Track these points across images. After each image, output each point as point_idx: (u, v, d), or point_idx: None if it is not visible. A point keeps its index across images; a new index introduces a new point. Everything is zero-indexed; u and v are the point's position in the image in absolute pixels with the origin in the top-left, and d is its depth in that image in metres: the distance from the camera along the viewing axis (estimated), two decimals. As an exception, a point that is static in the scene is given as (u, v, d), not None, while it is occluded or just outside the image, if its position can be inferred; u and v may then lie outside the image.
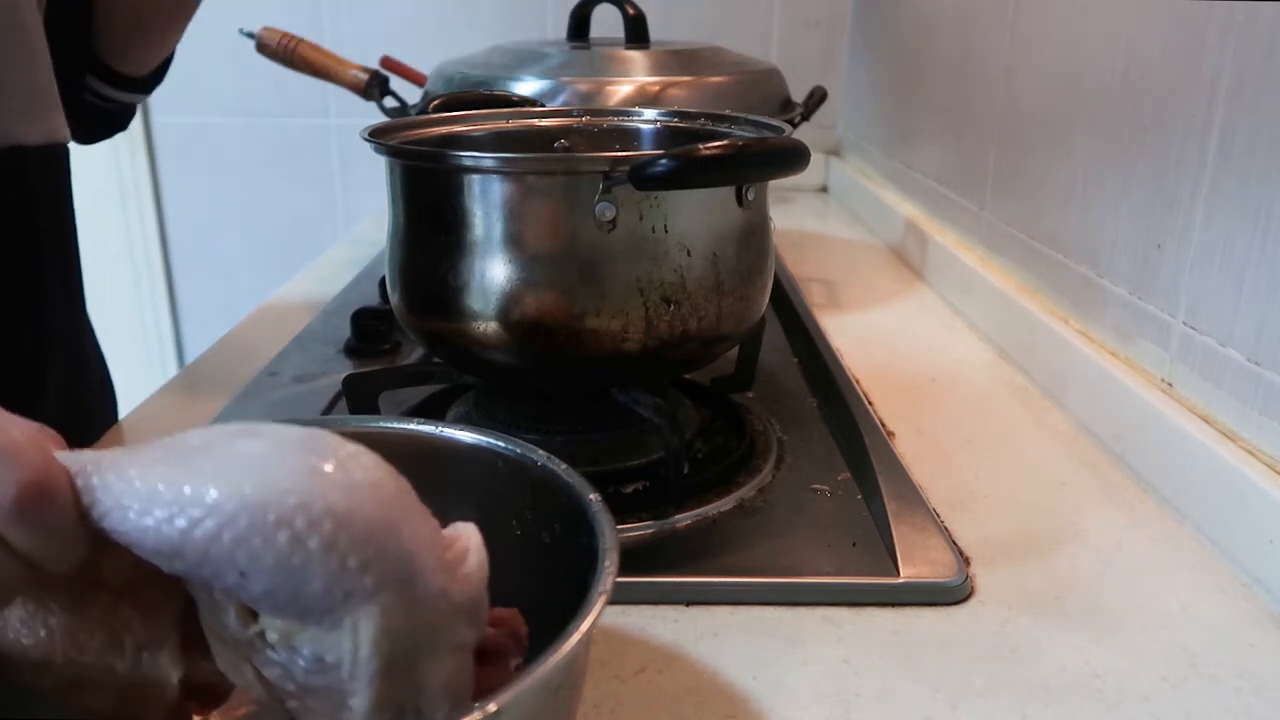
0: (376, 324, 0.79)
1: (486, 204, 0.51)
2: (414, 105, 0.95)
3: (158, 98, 1.55)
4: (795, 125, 0.90)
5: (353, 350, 0.79)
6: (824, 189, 1.50)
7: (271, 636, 0.27)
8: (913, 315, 0.91)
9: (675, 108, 0.69)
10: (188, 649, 0.31)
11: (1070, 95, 0.73)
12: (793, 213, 1.35)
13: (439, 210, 0.53)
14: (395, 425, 0.41)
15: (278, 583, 0.26)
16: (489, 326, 0.52)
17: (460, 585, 0.28)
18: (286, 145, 1.55)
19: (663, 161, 0.46)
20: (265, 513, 0.25)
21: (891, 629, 0.45)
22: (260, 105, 1.53)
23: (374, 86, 0.96)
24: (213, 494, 0.26)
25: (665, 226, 0.51)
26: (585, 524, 0.33)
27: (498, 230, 0.51)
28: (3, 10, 0.54)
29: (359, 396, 0.60)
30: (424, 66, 1.08)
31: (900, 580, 0.47)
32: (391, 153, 0.54)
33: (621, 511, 0.52)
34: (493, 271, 0.51)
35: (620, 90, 0.90)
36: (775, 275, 0.61)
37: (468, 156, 0.54)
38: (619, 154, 0.49)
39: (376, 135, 0.56)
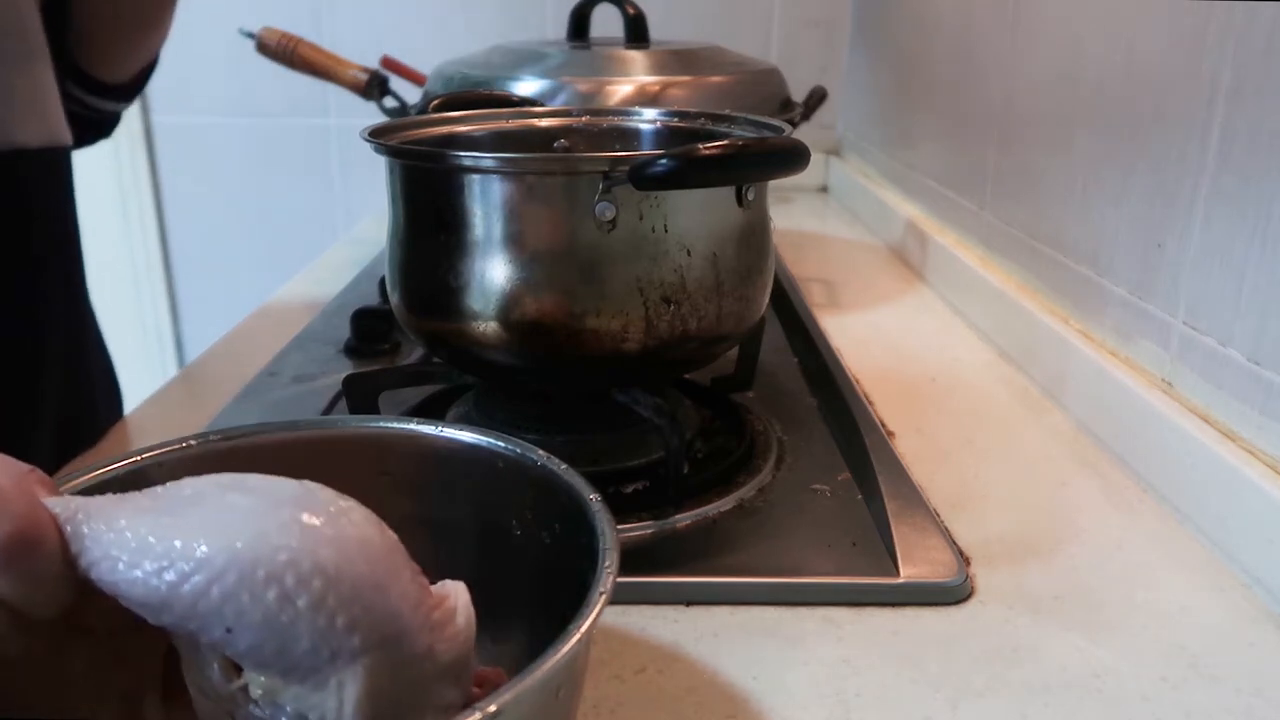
0: (376, 324, 0.79)
1: (486, 204, 0.51)
2: (414, 105, 0.95)
3: (158, 98, 1.55)
4: (795, 125, 0.90)
5: (353, 350, 0.79)
6: (824, 189, 1.50)
7: (255, 692, 0.27)
8: (913, 315, 0.91)
9: (675, 108, 0.69)
10: (169, 699, 0.31)
11: (1070, 95, 0.73)
12: (793, 213, 1.35)
13: (439, 210, 0.53)
14: (395, 425, 0.41)
15: (264, 639, 0.26)
16: (489, 326, 0.52)
17: (447, 645, 0.28)
18: (286, 145, 1.55)
19: (663, 161, 0.46)
20: (255, 569, 0.25)
21: (891, 629, 0.45)
22: (260, 105, 1.53)
23: (374, 86, 0.96)
24: (203, 548, 0.25)
25: (665, 226, 0.51)
26: (585, 524, 0.33)
27: (498, 230, 0.51)
28: (4, 12, 0.54)
29: (359, 396, 0.60)
30: (424, 66, 1.08)
31: (900, 580, 0.47)
32: (391, 153, 0.54)
33: (621, 511, 0.52)
34: (493, 271, 0.51)
35: (620, 90, 0.90)
36: (775, 275, 0.61)
37: (468, 156, 0.54)
38: (619, 154, 0.49)
39: (376, 135, 0.56)
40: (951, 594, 0.47)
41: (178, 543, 0.26)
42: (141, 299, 1.65)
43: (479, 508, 0.39)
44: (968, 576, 0.48)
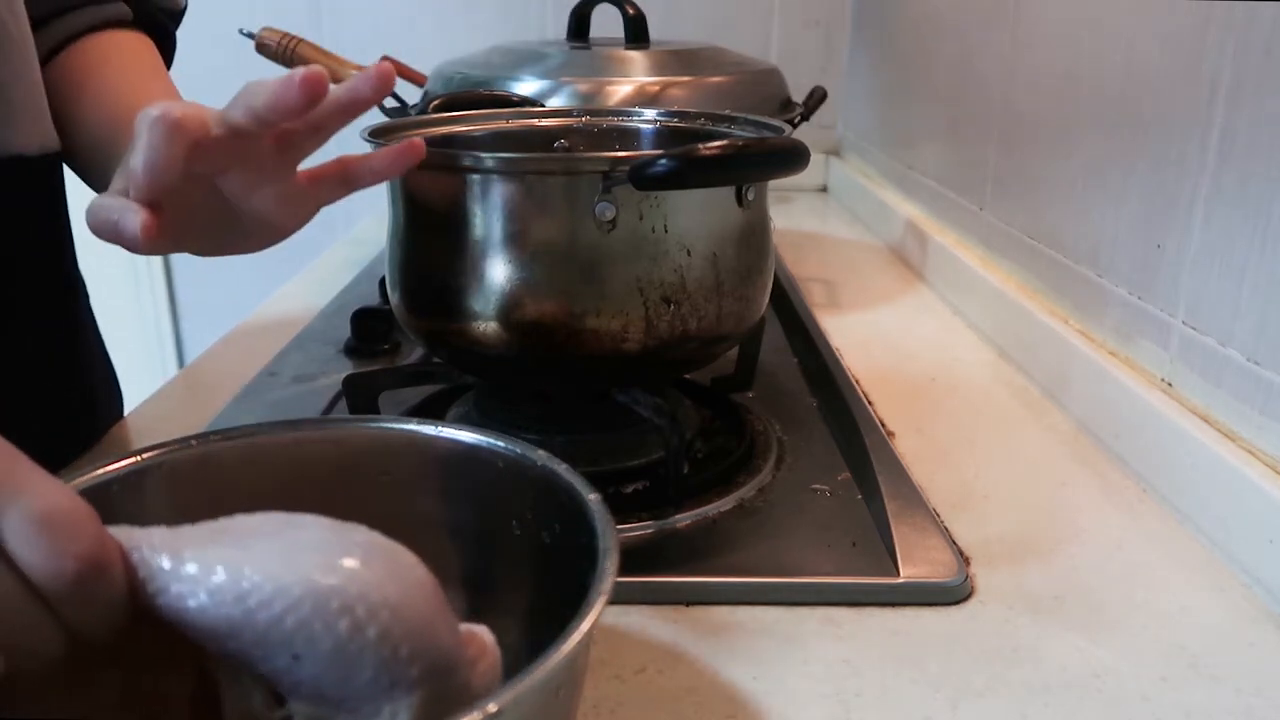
0: (376, 324, 0.79)
1: (486, 204, 0.51)
2: (414, 105, 0.95)
3: (158, 98, 1.55)
4: (795, 125, 0.90)
5: (353, 350, 0.79)
6: (824, 189, 1.50)
7: None
8: (913, 315, 0.91)
9: (675, 108, 0.69)
10: None
11: (1070, 95, 0.73)
12: (793, 213, 1.35)
13: (439, 210, 0.53)
14: (395, 426, 0.41)
15: (330, 668, 0.26)
16: (489, 326, 0.52)
17: (479, 679, 0.29)
18: (286, 145, 1.55)
19: (663, 161, 0.46)
20: (329, 599, 0.26)
21: (891, 629, 0.45)
22: (260, 105, 1.53)
23: (374, 86, 0.96)
24: (279, 577, 0.26)
25: (665, 226, 0.51)
26: (585, 524, 0.33)
27: (498, 230, 0.51)
28: None
29: (359, 396, 0.60)
30: (424, 66, 1.08)
31: (900, 580, 0.47)
32: (391, 153, 0.54)
33: (621, 511, 0.52)
34: (493, 271, 0.51)
35: (620, 90, 0.90)
36: (775, 275, 0.61)
37: (468, 156, 0.54)
38: (619, 154, 0.49)
39: (376, 135, 0.56)
40: (951, 594, 0.47)
41: (250, 571, 0.26)
42: (141, 299, 1.65)
43: (479, 508, 0.39)
44: (968, 576, 0.48)
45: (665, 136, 0.67)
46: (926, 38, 1.12)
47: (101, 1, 0.66)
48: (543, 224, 0.51)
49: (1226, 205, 0.54)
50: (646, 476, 0.56)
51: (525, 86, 0.90)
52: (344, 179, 0.51)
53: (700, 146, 0.47)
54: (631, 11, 0.98)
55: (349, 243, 1.18)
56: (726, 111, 0.65)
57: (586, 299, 0.51)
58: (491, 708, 0.25)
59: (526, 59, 0.95)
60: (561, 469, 0.36)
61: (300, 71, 0.42)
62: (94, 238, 0.46)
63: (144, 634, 0.27)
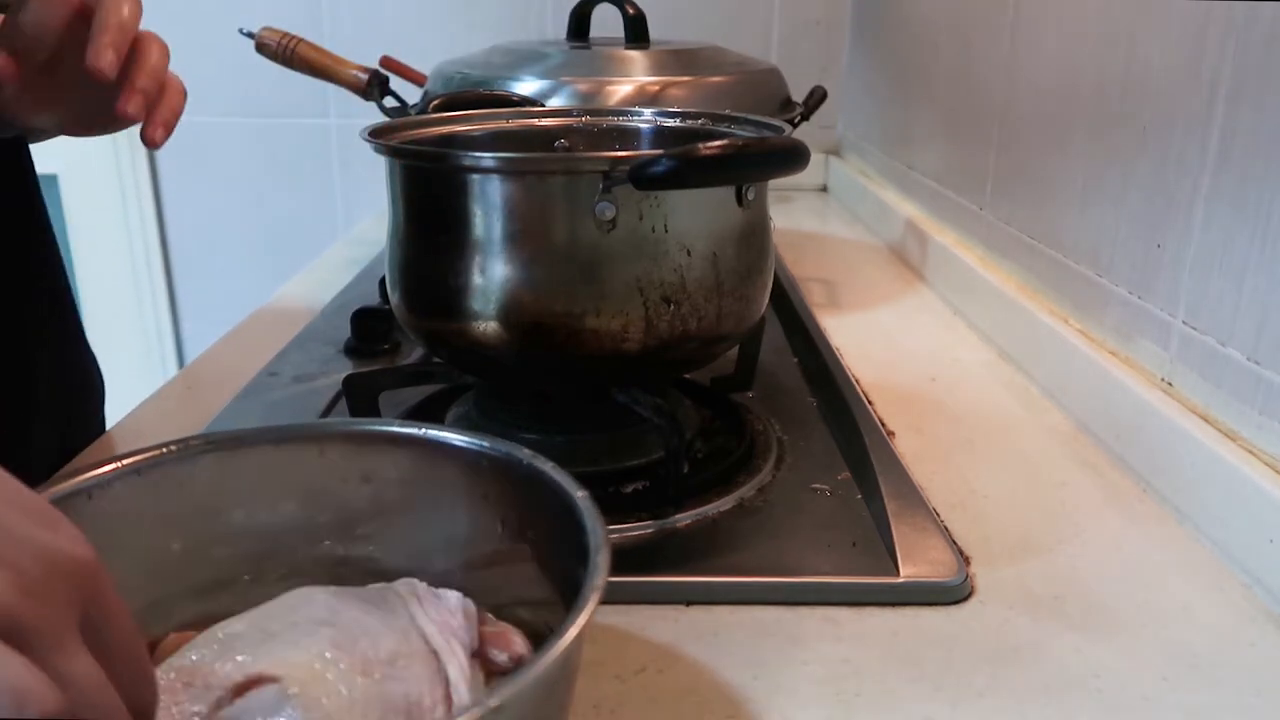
0: (376, 324, 0.79)
1: (486, 204, 0.51)
2: (414, 105, 0.95)
3: (158, 98, 1.55)
4: (795, 125, 0.90)
5: (353, 350, 0.79)
6: (824, 189, 1.50)
7: None
8: (913, 315, 0.91)
9: (675, 108, 0.69)
10: None
11: (1070, 95, 0.73)
12: (793, 213, 1.35)
13: (439, 210, 0.53)
14: (380, 428, 0.41)
15: None
16: (489, 326, 0.52)
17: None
18: (286, 145, 1.55)
19: (663, 161, 0.46)
20: None
21: (891, 629, 0.45)
22: (260, 105, 1.53)
23: (374, 86, 0.96)
24: None
25: (665, 226, 0.51)
26: (575, 522, 0.33)
27: (498, 230, 0.51)
28: None
29: (359, 396, 0.60)
30: (424, 66, 1.08)
31: (900, 580, 0.47)
32: (391, 153, 0.54)
33: (621, 511, 0.52)
34: (493, 271, 0.51)
35: (620, 90, 0.90)
36: (775, 275, 0.61)
37: (468, 156, 0.54)
38: (619, 154, 0.49)
39: (376, 135, 0.56)
40: (951, 594, 0.47)
41: None
42: (141, 299, 1.65)
43: (466, 508, 0.39)
44: (968, 576, 0.48)
45: (665, 136, 0.67)
46: (926, 38, 1.12)
47: None
48: (543, 224, 0.51)
49: (1226, 205, 0.54)
50: (646, 476, 0.56)
51: (525, 86, 0.90)
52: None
53: (700, 146, 0.47)
54: (631, 11, 0.98)
55: (349, 243, 1.18)
56: (726, 111, 0.65)
57: (586, 299, 0.51)
58: (494, 702, 0.25)
59: (526, 59, 0.95)
60: (548, 467, 0.36)
61: None
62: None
63: None
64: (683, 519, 0.53)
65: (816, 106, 0.98)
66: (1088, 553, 0.51)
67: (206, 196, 1.58)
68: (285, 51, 0.97)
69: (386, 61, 1.13)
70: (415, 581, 0.38)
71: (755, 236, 0.56)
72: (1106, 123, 0.67)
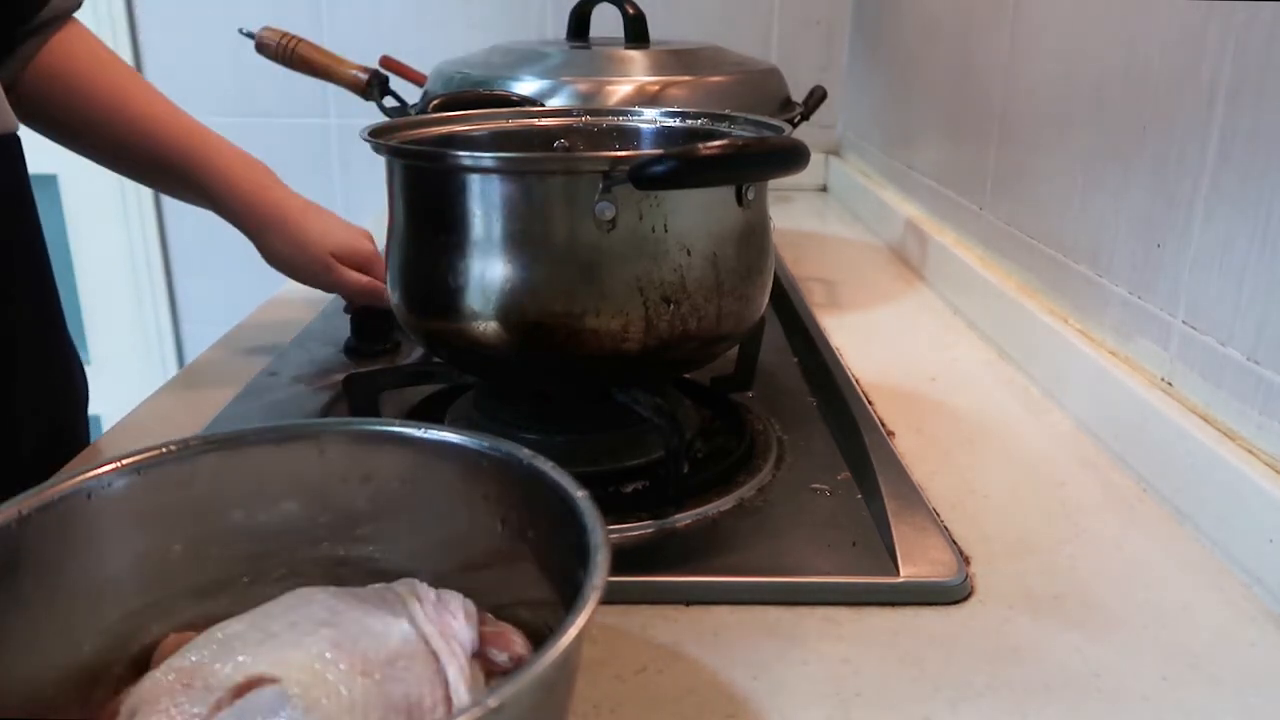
0: (376, 324, 0.79)
1: (486, 204, 0.51)
2: (414, 105, 0.95)
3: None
4: (795, 125, 0.90)
5: (353, 350, 0.79)
6: (824, 189, 1.50)
7: None
8: (913, 315, 0.91)
9: (675, 108, 0.69)
10: None
11: (1070, 95, 0.73)
12: (793, 212, 1.35)
13: (439, 210, 0.53)
14: (380, 428, 0.41)
15: None
16: (489, 326, 0.52)
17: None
18: (286, 145, 1.55)
19: (663, 161, 0.46)
20: None
21: (891, 629, 0.45)
22: (260, 105, 1.53)
23: (374, 86, 0.96)
24: None
25: (665, 226, 0.51)
26: (575, 522, 0.33)
27: (498, 230, 0.51)
28: None
29: (359, 396, 0.60)
30: (424, 66, 1.08)
31: (900, 580, 0.47)
32: (391, 152, 0.54)
33: (621, 511, 0.52)
34: (493, 271, 0.51)
35: (620, 90, 0.90)
36: (775, 275, 0.61)
37: (468, 156, 0.54)
38: (619, 154, 0.49)
39: (376, 135, 0.56)
40: (951, 594, 0.47)
41: None
42: (141, 299, 1.65)
43: (466, 508, 0.39)
44: (968, 576, 0.48)
45: (665, 136, 0.67)
46: (926, 38, 1.12)
47: None
48: (543, 224, 0.51)
49: (1226, 205, 0.53)
50: (646, 476, 0.56)
51: (525, 86, 0.90)
52: None
53: (700, 146, 0.47)
54: (631, 11, 0.98)
55: (349, 243, 1.18)
56: (726, 111, 0.65)
57: (586, 299, 0.51)
58: (493, 703, 0.25)
59: (526, 59, 0.95)
60: (548, 467, 0.36)
61: None
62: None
63: None
64: (683, 519, 0.53)
65: (816, 106, 0.98)
66: (1088, 553, 0.51)
67: (206, 196, 1.58)
68: (285, 51, 0.97)
69: (386, 61, 1.13)
70: (415, 582, 0.38)
71: (755, 236, 0.56)
72: (1106, 122, 0.67)
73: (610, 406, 0.56)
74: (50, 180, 1.55)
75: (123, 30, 1.51)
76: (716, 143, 0.47)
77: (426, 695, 0.32)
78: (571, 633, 0.28)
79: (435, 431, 0.40)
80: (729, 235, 0.54)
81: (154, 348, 1.68)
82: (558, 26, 1.25)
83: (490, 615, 0.38)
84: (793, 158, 0.49)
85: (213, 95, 1.52)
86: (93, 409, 0.74)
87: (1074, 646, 0.44)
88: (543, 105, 0.79)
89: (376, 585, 0.38)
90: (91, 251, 1.59)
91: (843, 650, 0.43)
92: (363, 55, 1.03)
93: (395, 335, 0.80)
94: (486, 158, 0.53)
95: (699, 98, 0.90)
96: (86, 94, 0.72)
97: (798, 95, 0.99)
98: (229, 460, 0.39)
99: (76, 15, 0.73)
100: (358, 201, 1.56)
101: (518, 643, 0.36)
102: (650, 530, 0.52)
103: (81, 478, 0.36)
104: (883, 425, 0.64)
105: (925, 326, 0.87)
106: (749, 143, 0.52)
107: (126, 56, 1.50)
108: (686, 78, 0.91)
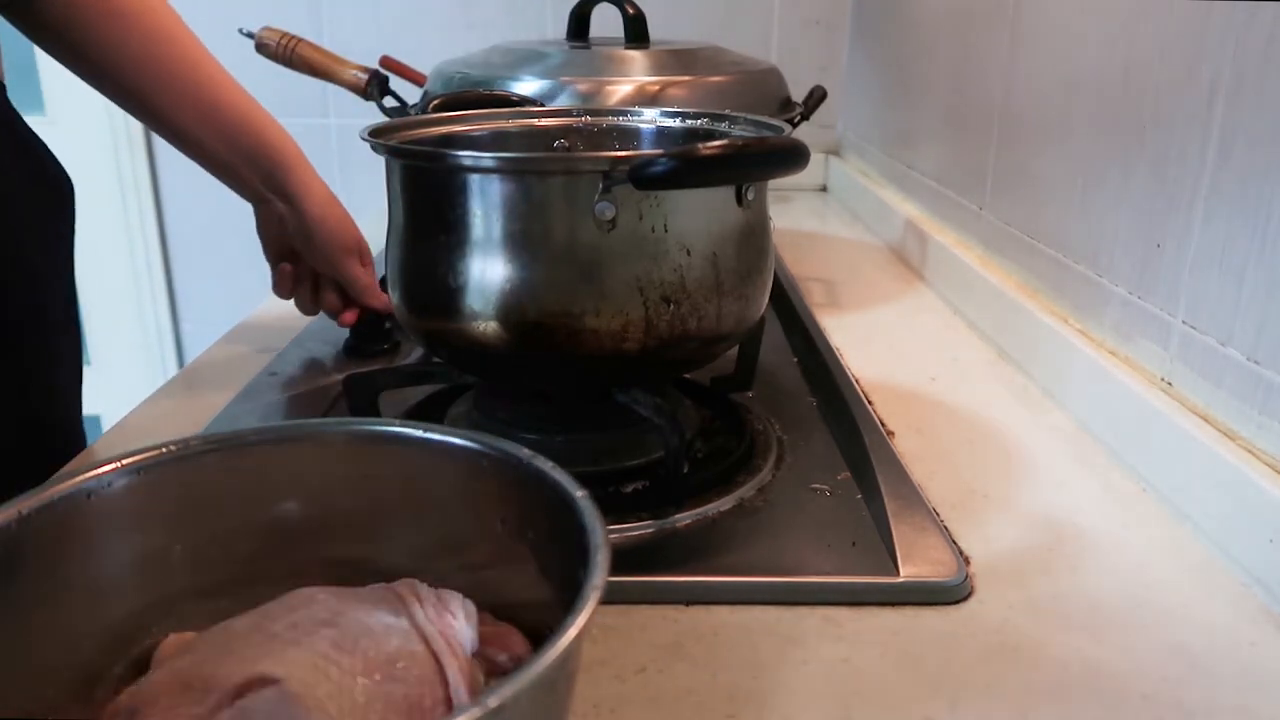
0: (376, 324, 0.79)
1: (486, 204, 0.51)
2: (414, 105, 0.95)
3: (158, 98, 1.55)
4: (795, 125, 0.90)
5: (353, 350, 0.79)
6: (824, 189, 1.50)
7: None
8: (913, 315, 0.91)
9: (675, 108, 0.69)
10: None
11: (1070, 95, 0.73)
12: (793, 212, 1.35)
13: (439, 210, 0.53)
14: (380, 428, 0.41)
15: None
16: (489, 326, 0.52)
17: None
18: (286, 145, 1.55)
19: (663, 161, 0.46)
20: None
21: (891, 629, 0.45)
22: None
23: (374, 86, 0.96)
24: None
25: (665, 226, 0.51)
26: (574, 522, 0.33)
27: (498, 230, 0.51)
28: None
29: (359, 396, 0.60)
30: (424, 66, 1.08)
31: (900, 580, 0.47)
32: (391, 152, 0.54)
33: (621, 511, 0.52)
34: (493, 271, 0.51)
35: (620, 90, 0.90)
36: (775, 275, 0.61)
37: (468, 156, 0.54)
38: (619, 154, 0.49)
39: (376, 135, 0.56)
40: (951, 593, 0.47)
41: None
42: (141, 299, 1.65)
43: (466, 508, 0.39)
44: (968, 576, 0.48)
45: (665, 136, 0.67)
46: (926, 38, 1.12)
47: None
48: (542, 224, 0.51)
49: (1226, 205, 0.53)
50: (646, 476, 0.56)
51: (525, 86, 0.90)
52: None
53: (700, 146, 0.47)
54: (631, 11, 0.98)
55: (349, 243, 1.18)
56: (726, 111, 0.65)
57: (586, 299, 0.51)
58: (493, 703, 0.25)
59: (526, 59, 0.95)
60: (548, 467, 0.36)
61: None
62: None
63: None
64: (683, 519, 0.53)
65: (816, 106, 0.98)
66: (1087, 553, 0.51)
67: (206, 196, 1.57)
68: (285, 51, 0.97)
69: (386, 61, 1.13)
70: (415, 582, 0.38)
71: (755, 236, 0.56)
72: (1106, 122, 0.67)
73: (610, 406, 0.56)
74: (50, 180, 1.55)
75: (123, 30, 1.51)
76: (716, 143, 0.47)
77: (427, 695, 0.32)
78: (571, 633, 0.27)
79: (435, 432, 0.40)
80: (729, 235, 0.54)
81: (154, 348, 1.68)
82: (558, 26, 1.25)
83: (490, 615, 0.38)
84: (793, 158, 0.49)
85: (213, 95, 1.52)
86: (93, 409, 0.74)
87: (1074, 646, 0.44)
88: (543, 105, 0.79)
89: (376, 585, 0.38)
90: (92, 251, 1.59)
91: (843, 650, 0.43)
92: (363, 55, 1.03)
93: (395, 335, 0.80)
94: (486, 158, 0.53)
95: (699, 98, 0.90)
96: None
97: (797, 95, 0.99)
98: (229, 460, 0.39)
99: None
100: (358, 201, 1.55)
101: (518, 643, 0.36)
102: (650, 530, 0.52)
103: (81, 478, 0.36)
104: (883, 425, 0.64)
105: (925, 326, 0.87)
106: (749, 143, 0.52)
107: (126, 56, 1.49)
108: (686, 78, 0.91)
